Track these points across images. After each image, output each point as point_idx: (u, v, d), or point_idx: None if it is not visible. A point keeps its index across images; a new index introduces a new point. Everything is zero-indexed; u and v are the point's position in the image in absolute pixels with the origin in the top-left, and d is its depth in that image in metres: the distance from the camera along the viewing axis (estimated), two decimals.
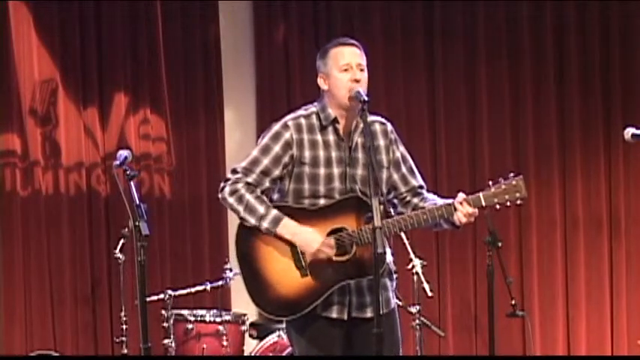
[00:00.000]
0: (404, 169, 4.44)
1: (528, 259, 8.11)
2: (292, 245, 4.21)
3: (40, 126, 7.41)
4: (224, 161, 7.79)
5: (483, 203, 4.24)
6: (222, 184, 4.30)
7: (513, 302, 6.62)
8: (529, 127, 8.16)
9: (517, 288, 7.83)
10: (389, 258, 4.37)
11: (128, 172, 4.60)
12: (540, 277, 8.10)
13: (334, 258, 4.19)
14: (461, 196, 4.24)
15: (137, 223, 4.44)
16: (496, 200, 4.24)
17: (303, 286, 4.20)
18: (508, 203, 4.27)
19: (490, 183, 4.28)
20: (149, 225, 4.48)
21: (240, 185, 4.24)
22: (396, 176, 4.41)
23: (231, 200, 4.24)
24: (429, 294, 6.60)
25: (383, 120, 4.47)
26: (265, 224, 4.19)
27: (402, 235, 6.68)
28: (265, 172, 4.26)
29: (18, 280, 7.28)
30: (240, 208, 4.22)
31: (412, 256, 6.65)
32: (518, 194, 4.29)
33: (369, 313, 4.27)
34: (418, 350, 6.83)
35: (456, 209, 4.21)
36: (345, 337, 4.28)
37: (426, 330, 6.84)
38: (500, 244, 6.42)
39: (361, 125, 4.28)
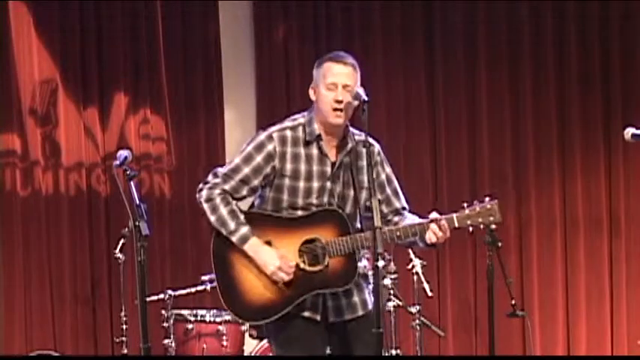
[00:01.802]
0: (388, 191, 4.49)
1: (528, 259, 8.11)
2: None
3: (40, 126, 7.41)
4: (224, 161, 7.78)
5: (456, 224, 4.28)
6: (200, 185, 4.40)
7: (513, 302, 6.62)
8: (529, 127, 8.16)
9: (517, 288, 7.83)
10: (361, 264, 4.45)
11: (128, 172, 4.60)
12: (540, 277, 8.10)
13: (307, 268, 4.29)
14: (434, 215, 4.28)
15: (137, 223, 4.45)
16: (469, 222, 4.30)
17: (276, 293, 4.30)
18: (482, 226, 4.32)
19: (465, 205, 4.34)
20: (149, 225, 4.48)
21: (216, 192, 4.35)
22: (380, 197, 4.42)
23: (205, 206, 4.37)
24: (429, 294, 6.60)
25: (372, 141, 4.45)
26: (234, 239, 4.32)
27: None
28: (244, 181, 4.35)
29: (18, 280, 7.28)
30: (213, 218, 4.36)
31: (412, 256, 6.65)
32: (492, 218, 4.32)
33: (347, 316, 4.36)
34: (418, 350, 6.83)
35: (428, 228, 4.26)
36: (322, 335, 4.37)
37: (426, 330, 6.84)
38: (500, 244, 6.42)
39: (349, 145, 4.36)
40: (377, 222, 4.04)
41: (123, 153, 4.69)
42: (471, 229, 4.31)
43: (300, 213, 4.33)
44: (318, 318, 4.34)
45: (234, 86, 8.01)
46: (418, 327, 6.74)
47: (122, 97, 7.60)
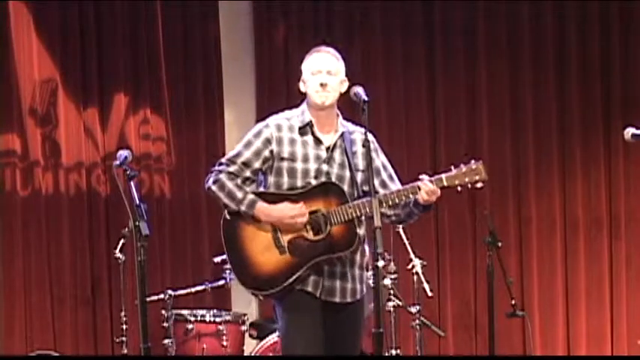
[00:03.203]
0: (384, 176, 4.78)
1: (528, 259, 8.11)
2: (272, 227, 4.59)
3: (40, 126, 7.41)
4: None
5: (445, 183, 4.57)
6: (208, 175, 4.70)
7: (513, 302, 6.63)
8: (529, 127, 8.16)
9: (517, 288, 7.83)
10: (366, 254, 4.74)
11: (128, 172, 4.61)
12: (540, 277, 8.10)
13: (310, 237, 4.56)
14: (424, 176, 4.58)
15: (137, 223, 4.45)
16: (457, 182, 4.59)
17: (281, 263, 4.56)
18: (469, 185, 4.60)
19: (452, 167, 4.60)
20: (149, 225, 4.49)
21: (222, 175, 4.66)
22: (376, 181, 4.67)
23: (214, 188, 4.65)
24: (429, 294, 6.61)
25: (364, 130, 4.68)
26: (243, 207, 4.58)
27: (402, 235, 6.69)
28: (246, 164, 4.65)
29: (18, 280, 7.28)
30: (222, 195, 4.62)
31: (412, 256, 6.65)
32: (477, 177, 4.59)
33: (337, 298, 4.62)
34: (418, 350, 6.83)
35: (420, 188, 4.53)
36: (320, 311, 4.61)
37: (426, 330, 6.84)
38: (500, 244, 6.44)
39: (341, 130, 4.69)
40: (377, 222, 4.19)
41: (123, 153, 4.69)
42: (459, 188, 4.59)
43: (300, 190, 4.61)
44: (318, 294, 4.59)
45: (234, 86, 8.01)
46: (418, 327, 6.74)
47: (122, 97, 7.60)
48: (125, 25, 7.63)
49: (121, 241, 6.71)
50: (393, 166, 4.83)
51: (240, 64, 8.04)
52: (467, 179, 4.57)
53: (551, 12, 8.14)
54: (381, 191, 4.66)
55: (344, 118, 4.76)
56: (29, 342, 7.23)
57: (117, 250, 6.72)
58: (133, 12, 7.65)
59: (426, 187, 4.52)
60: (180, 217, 7.72)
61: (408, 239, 6.66)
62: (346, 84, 4.70)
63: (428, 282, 6.61)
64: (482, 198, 8.05)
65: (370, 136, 4.62)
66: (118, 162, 4.68)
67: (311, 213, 4.57)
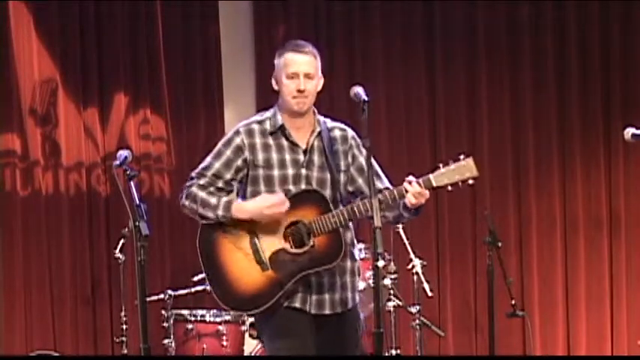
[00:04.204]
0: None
1: (528, 259, 8.11)
2: (251, 242, 4.35)
3: (40, 126, 7.41)
4: None
5: (434, 184, 4.31)
6: (180, 194, 4.51)
7: (513, 302, 6.63)
8: (529, 128, 8.16)
9: (517, 288, 7.83)
10: (356, 259, 4.49)
11: (128, 172, 4.61)
12: (540, 277, 8.10)
13: (292, 250, 4.31)
14: (410, 178, 4.30)
15: (137, 223, 4.45)
16: (447, 181, 4.30)
17: (265, 280, 4.32)
18: (460, 184, 4.31)
19: (440, 165, 4.34)
20: (149, 225, 4.48)
21: (193, 188, 4.46)
22: (360, 180, 4.48)
23: (187, 202, 4.46)
24: (429, 294, 6.60)
25: (343, 126, 4.55)
26: (220, 212, 4.36)
27: (402, 235, 6.69)
28: (217, 175, 4.44)
29: (18, 280, 7.28)
30: (196, 206, 4.42)
31: (412, 256, 6.65)
32: (468, 174, 4.31)
33: (327, 310, 4.39)
34: (418, 350, 6.83)
35: (406, 190, 4.27)
36: (310, 327, 4.37)
37: (426, 330, 6.84)
38: (500, 244, 6.44)
39: (318, 129, 4.43)
40: (377, 222, 4.05)
41: (123, 153, 4.69)
42: (449, 187, 4.32)
43: None
44: (307, 309, 4.36)
45: (234, 86, 8.01)
46: (418, 327, 6.74)
47: (122, 97, 7.60)
48: (125, 25, 7.63)
49: (121, 241, 6.72)
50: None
51: (240, 64, 8.04)
52: (457, 177, 4.30)
53: (551, 12, 8.14)
54: (367, 191, 4.34)
55: (321, 114, 4.54)
56: (29, 342, 7.23)
57: (117, 250, 6.73)
58: (133, 12, 7.65)
59: (413, 189, 4.25)
60: (180, 217, 7.69)
61: (408, 239, 6.66)
62: (322, 81, 4.47)
63: (428, 282, 6.61)
64: (482, 198, 8.05)
65: (351, 132, 4.51)
66: (118, 162, 4.68)
67: (292, 224, 4.33)
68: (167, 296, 6.64)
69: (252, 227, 4.37)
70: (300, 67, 4.40)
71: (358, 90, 4.34)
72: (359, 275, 4.54)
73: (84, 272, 7.45)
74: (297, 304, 4.35)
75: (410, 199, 4.27)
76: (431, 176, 4.32)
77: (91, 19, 7.53)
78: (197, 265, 7.57)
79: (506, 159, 8.15)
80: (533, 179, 8.13)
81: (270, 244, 4.34)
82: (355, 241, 4.52)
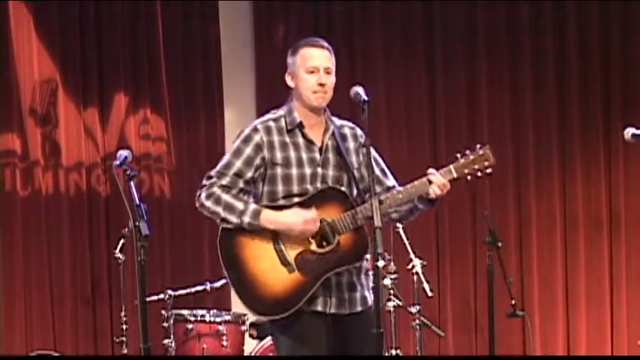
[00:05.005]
0: (377, 171, 4.46)
1: (528, 259, 8.11)
2: (275, 243, 4.26)
3: (40, 126, 7.41)
4: None
5: (455, 174, 4.35)
6: (198, 192, 4.35)
7: (513, 302, 6.63)
8: (529, 128, 8.16)
9: (517, 288, 7.83)
10: (363, 263, 4.42)
11: (128, 172, 4.60)
12: (540, 277, 8.10)
13: (317, 250, 4.24)
14: (432, 170, 4.35)
15: (137, 223, 4.44)
16: (466, 171, 4.38)
17: (292, 283, 4.23)
18: (479, 173, 4.39)
19: (458, 155, 4.39)
20: (149, 225, 4.48)
21: (215, 188, 4.30)
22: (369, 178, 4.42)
23: (208, 203, 4.29)
24: (429, 294, 6.60)
25: (352, 124, 4.53)
26: (246, 219, 4.23)
27: (402, 235, 6.69)
28: (238, 174, 4.32)
29: (18, 280, 7.27)
30: (219, 209, 4.27)
31: (412, 256, 6.65)
32: (486, 162, 4.42)
33: (346, 310, 4.32)
34: (418, 350, 6.83)
35: (430, 182, 4.30)
36: (329, 330, 4.30)
37: (426, 330, 6.84)
38: (500, 244, 6.44)
39: (331, 127, 4.38)
40: (377, 222, 4.03)
41: (123, 153, 4.68)
42: (469, 177, 4.39)
43: (297, 200, 4.29)
44: (327, 311, 4.28)
45: (234, 86, 8.01)
46: (418, 327, 6.74)
47: (122, 97, 7.60)
48: (125, 25, 7.63)
49: (121, 241, 6.72)
50: (387, 164, 4.55)
51: (240, 64, 8.04)
52: (476, 166, 4.37)
53: (551, 12, 8.14)
54: (377, 189, 4.34)
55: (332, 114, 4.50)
56: (29, 342, 7.23)
57: (117, 250, 6.73)
58: (133, 12, 7.65)
59: (438, 181, 4.28)
60: (180, 217, 7.71)
61: (408, 239, 6.65)
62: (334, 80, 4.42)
63: (428, 282, 6.61)
64: (482, 198, 8.05)
65: (359, 131, 4.48)
66: (118, 162, 4.67)
67: None
68: (167, 296, 6.64)
69: (274, 231, 4.27)
70: (320, 62, 4.37)
71: (358, 90, 4.33)
72: (367, 275, 4.47)
73: (84, 272, 7.45)
74: (319, 307, 4.27)
75: (435, 190, 4.29)
76: (451, 167, 4.36)
77: (91, 19, 7.54)
78: (198, 265, 7.67)
79: (507, 159, 8.15)
80: (533, 179, 8.13)
81: (295, 245, 4.25)
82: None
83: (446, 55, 8.17)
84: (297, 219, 4.21)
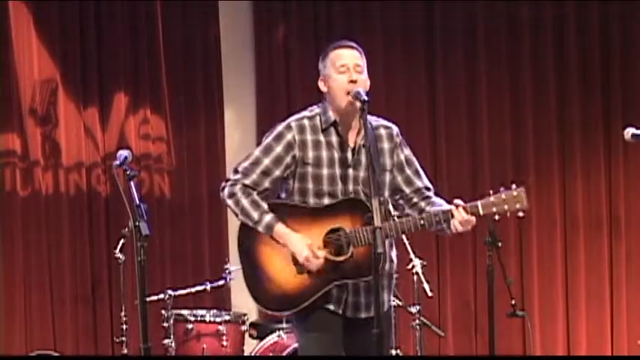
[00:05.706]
0: (408, 171, 4.47)
1: (528, 259, 8.11)
2: None
3: (40, 126, 7.41)
4: (224, 161, 7.80)
5: (481, 212, 4.23)
6: (222, 184, 4.40)
7: (513, 302, 6.62)
8: (529, 128, 8.16)
9: (517, 288, 7.83)
10: (393, 260, 4.46)
11: (128, 172, 4.61)
12: (540, 277, 8.10)
13: (331, 257, 4.24)
14: (458, 202, 4.25)
15: (137, 223, 4.45)
16: (495, 210, 4.23)
17: (302, 282, 4.27)
18: (508, 214, 4.24)
19: (490, 192, 4.26)
20: (149, 225, 4.48)
21: (237, 188, 4.33)
22: (399, 178, 4.45)
23: (229, 202, 4.36)
24: (429, 294, 6.60)
25: (389, 124, 4.51)
26: (260, 229, 4.30)
27: (403, 235, 6.69)
28: (265, 172, 4.33)
29: (18, 280, 7.28)
30: (237, 211, 4.34)
31: (412, 256, 6.64)
32: (518, 205, 4.26)
33: (362, 314, 4.34)
34: (418, 350, 6.83)
35: (453, 216, 4.21)
36: (343, 329, 4.33)
37: (426, 330, 6.84)
38: (500, 244, 6.42)
39: (364, 128, 4.29)
40: (377, 222, 4.01)
41: (123, 153, 4.69)
42: (497, 216, 4.22)
43: (326, 200, 4.30)
44: (341, 312, 4.31)
45: (234, 86, 8.01)
46: (418, 327, 6.74)
47: (122, 97, 7.60)
48: (125, 25, 7.63)
49: (121, 241, 6.72)
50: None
51: (240, 64, 8.04)
52: (506, 207, 4.21)
53: (551, 12, 8.14)
54: (407, 189, 4.41)
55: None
56: (29, 342, 7.23)
57: (117, 250, 6.72)
58: (133, 12, 7.65)
59: (460, 217, 4.17)
60: (180, 217, 7.72)
61: (408, 239, 6.65)
62: (368, 83, 4.43)
63: (428, 282, 6.60)
64: (482, 198, 8.03)
65: (395, 129, 4.47)
66: (118, 162, 4.68)
67: (334, 230, 4.26)
68: (167, 296, 6.64)
69: (294, 231, 4.30)
70: (350, 60, 4.36)
71: (358, 90, 4.32)
72: (395, 278, 4.47)
73: (84, 272, 7.45)
74: (332, 307, 4.30)
75: (456, 226, 4.21)
76: (479, 203, 4.24)
77: (91, 19, 7.54)
78: (198, 265, 7.67)
79: (506, 159, 8.15)
80: (533, 179, 8.13)
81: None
82: (393, 243, 4.47)
83: (446, 55, 8.17)
84: (302, 251, 4.23)
